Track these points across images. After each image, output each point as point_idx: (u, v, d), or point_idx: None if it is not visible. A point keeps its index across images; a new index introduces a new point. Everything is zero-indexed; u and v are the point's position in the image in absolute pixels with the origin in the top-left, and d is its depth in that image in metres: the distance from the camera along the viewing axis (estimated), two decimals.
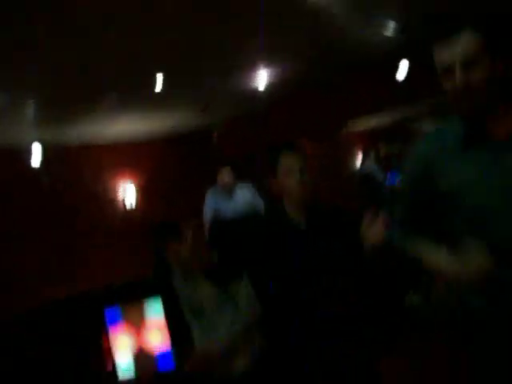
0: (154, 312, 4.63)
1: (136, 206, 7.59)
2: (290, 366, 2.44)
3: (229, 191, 5.78)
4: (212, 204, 5.85)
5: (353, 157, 10.01)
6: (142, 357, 4.61)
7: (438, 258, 1.74)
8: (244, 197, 5.79)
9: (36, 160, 5.79)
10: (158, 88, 5.20)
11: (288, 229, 2.40)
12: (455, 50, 1.61)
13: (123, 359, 4.63)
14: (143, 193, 7.72)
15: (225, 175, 5.74)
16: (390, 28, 5.39)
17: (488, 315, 1.72)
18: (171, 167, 8.03)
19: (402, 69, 6.09)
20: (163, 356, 4.52)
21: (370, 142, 9.97)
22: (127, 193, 7.54)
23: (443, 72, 1.66)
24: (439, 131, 1.82)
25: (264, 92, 6.34)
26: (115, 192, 7.51)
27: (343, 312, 2.37)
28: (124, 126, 6.91)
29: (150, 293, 4.81)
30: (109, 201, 7.42)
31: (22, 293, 5.93)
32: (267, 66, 5.80)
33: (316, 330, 2.34)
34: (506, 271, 1.62)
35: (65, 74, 4.74)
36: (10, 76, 4.41)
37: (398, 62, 6.13)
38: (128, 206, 7.54)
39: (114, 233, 7.20)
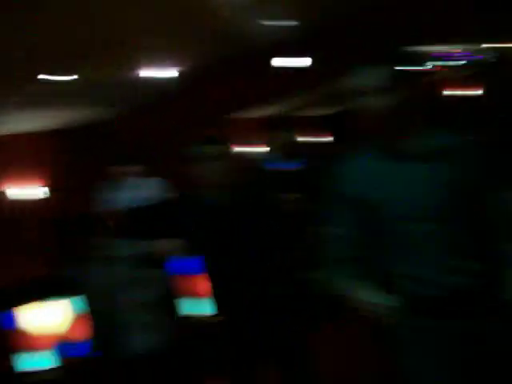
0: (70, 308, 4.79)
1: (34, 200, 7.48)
2: (243, 343, 2.64)
3: (127, 183, 5.86)
4: (111, 196, 5.92)
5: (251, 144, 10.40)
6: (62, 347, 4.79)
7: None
8: (146, 188, 5.91)
9: None
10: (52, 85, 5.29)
11: (208, 209, 2.59)
12: (369, 78, 1.83)
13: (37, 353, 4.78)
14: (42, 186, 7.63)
15: (120, 169, 5.82)
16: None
17: None
18: (67, 159, 7.99)
19: (296, 62, 6.60)
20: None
21: (266, 129, 10.41)
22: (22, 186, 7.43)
23: (356, 96, 1.86)
24: (353, 156, 2.00)
25: (165, 83, 6.56)
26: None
27: (293, 289, 2.60)
28: (22, 122, 6.87)
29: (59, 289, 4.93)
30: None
31: None
32: (168, 60, 6.02)
33: (268, 307, 2.54)
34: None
35: None
36: None
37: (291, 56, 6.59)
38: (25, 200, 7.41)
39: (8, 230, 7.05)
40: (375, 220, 1.93)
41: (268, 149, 9.23)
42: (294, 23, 5.94)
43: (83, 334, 4.68)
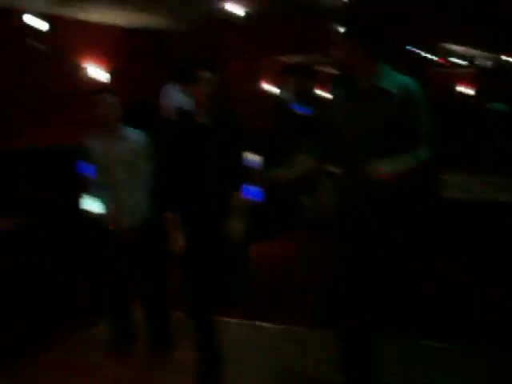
0: None
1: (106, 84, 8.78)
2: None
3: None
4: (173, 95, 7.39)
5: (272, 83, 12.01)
6: None
7: None
8: None
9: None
10: None
11: (193, 125, 3.27)
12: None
13: None
14: (114, 74, 8.98)
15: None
16: None
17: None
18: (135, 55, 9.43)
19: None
20: None
21: (286, 74, 11.90)
22: (98, 72, 8.77)
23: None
24: (336, 84, 2.88)
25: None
26: (88, 68, 8.73)
27: None
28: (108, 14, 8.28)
29: None
30: (81, 74, 8.63)
31: None
32: None
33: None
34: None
35: None
36: None
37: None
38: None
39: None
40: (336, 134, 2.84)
41: (288, 91, 10.58)
42: None
43: None
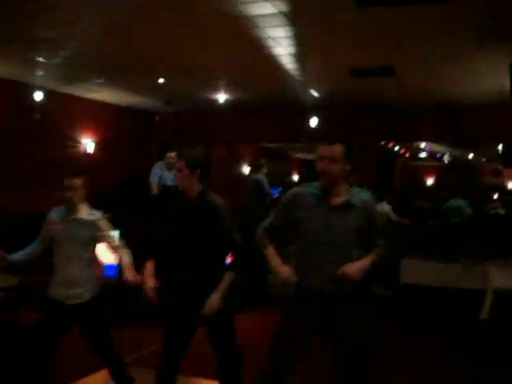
0: None
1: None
2: None
3: (171, 167, 7.93)
4: (159, 172, 8.03)
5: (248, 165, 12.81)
6: None
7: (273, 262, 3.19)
8: None
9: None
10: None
11: (182, 204, 3.59)
12: (327, 150, 3.01)
13: None
14: (100, 145, 9.77)
15: (172, 155, 7.88)
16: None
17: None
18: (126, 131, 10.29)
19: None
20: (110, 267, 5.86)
21: (262, 157, 12.82)
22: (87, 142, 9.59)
23: (318, 159, 3.05)
24: (302, 190, 3.20)
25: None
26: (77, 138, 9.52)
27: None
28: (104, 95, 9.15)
29: None
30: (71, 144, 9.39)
31: None
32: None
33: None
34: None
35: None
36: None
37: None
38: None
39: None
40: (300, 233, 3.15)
41: (262, 173, 11.34)
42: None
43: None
